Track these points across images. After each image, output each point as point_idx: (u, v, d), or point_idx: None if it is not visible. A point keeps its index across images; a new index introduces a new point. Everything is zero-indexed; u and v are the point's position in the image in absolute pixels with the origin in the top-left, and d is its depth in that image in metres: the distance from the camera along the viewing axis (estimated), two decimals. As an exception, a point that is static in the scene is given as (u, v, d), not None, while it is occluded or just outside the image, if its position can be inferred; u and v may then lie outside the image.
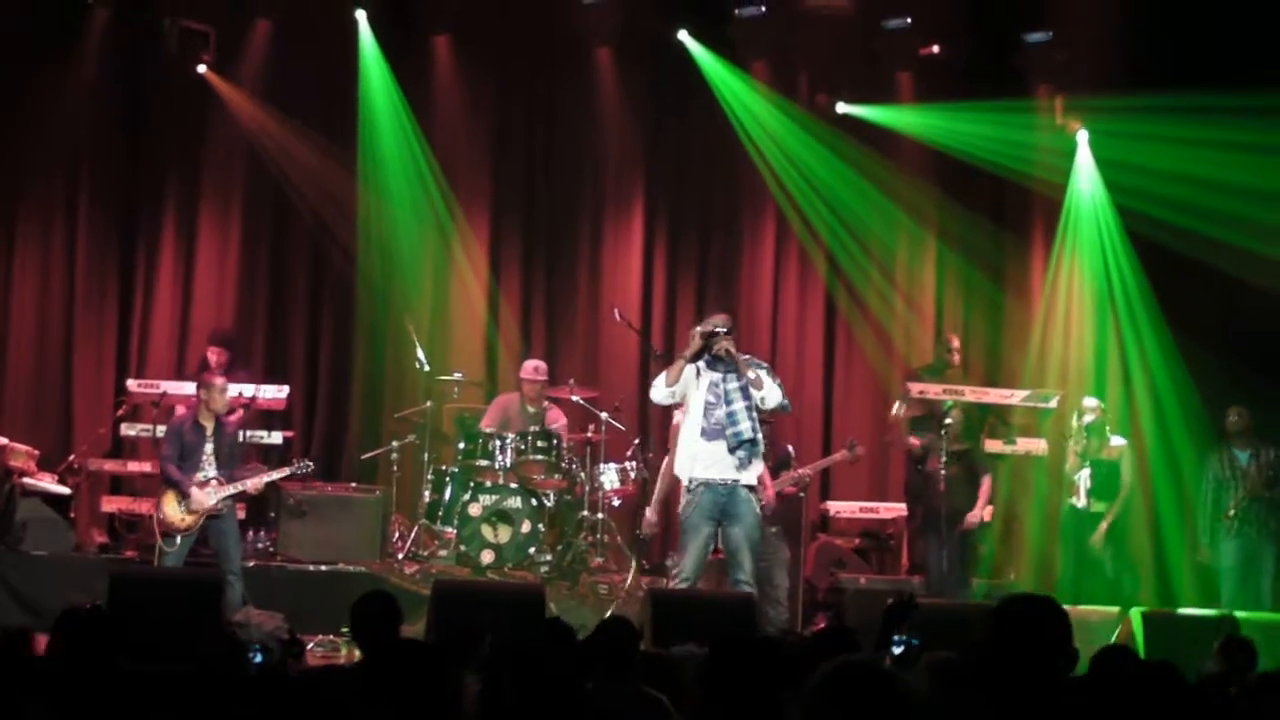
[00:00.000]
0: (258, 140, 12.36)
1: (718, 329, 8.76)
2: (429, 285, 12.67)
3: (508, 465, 10.76)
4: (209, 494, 9.54)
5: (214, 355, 11.35)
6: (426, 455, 11.14)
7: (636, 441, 11.35)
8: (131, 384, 11.25)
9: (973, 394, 11.37)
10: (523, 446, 10.79)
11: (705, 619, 7.72)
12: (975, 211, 12.97)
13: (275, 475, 10.01)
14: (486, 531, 10.63)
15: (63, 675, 4.64)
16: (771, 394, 8.76)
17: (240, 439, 10.78)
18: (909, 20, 12.87)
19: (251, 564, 10.30)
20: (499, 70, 12.95)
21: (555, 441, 10.89)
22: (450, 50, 12.77)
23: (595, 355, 12.90)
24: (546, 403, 11.33)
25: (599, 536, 10.97)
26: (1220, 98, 10.84)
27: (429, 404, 11.30)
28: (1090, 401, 11.19)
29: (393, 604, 5.85)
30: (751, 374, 8.72)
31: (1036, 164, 12.85)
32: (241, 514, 10.87)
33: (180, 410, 10.37)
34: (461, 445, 11.05)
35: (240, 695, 4.22)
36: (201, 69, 12.24)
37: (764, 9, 12.70)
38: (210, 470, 9.64)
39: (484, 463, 10.80)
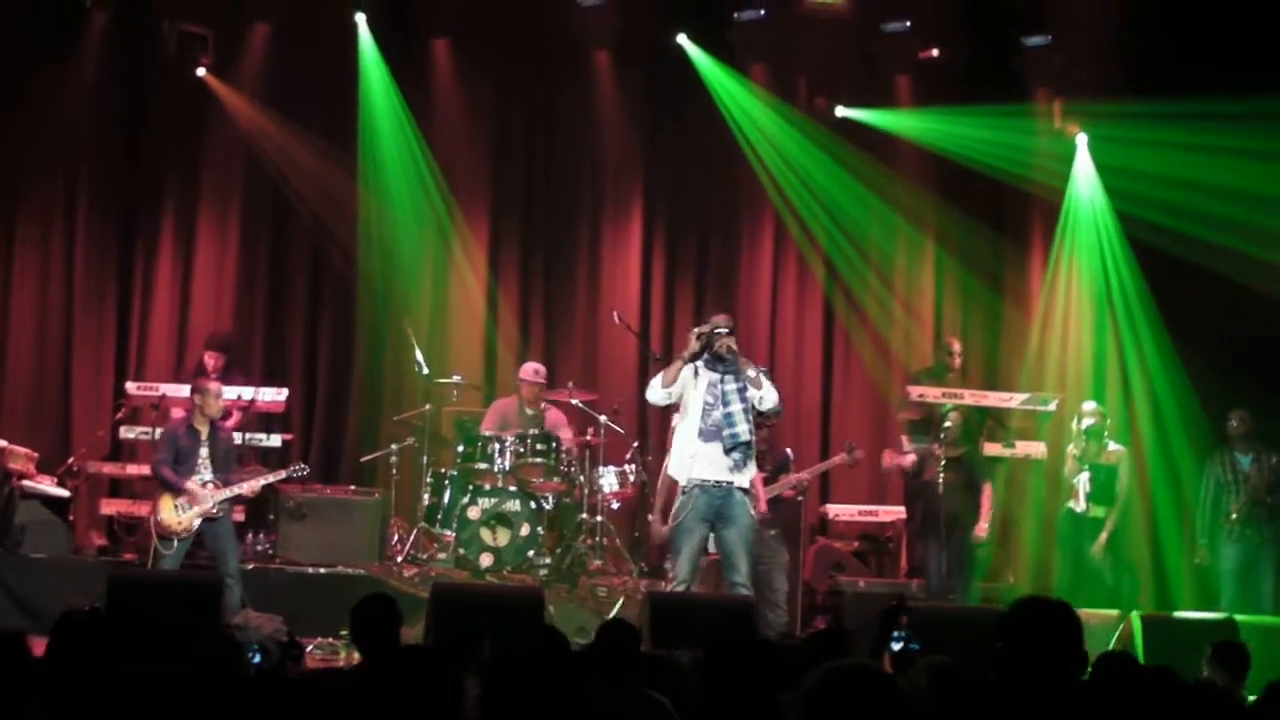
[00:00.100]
0: (256, 143, 12.36)
1: (719, 329, 8.77)
2: (428, 288, 12.67)
3: (507, 468, 10.76)
4: (205, 498, 9.55)
5: (210, 359, 11.34)
6: (425, 458, 11.14)
7: (635, 444, 11.36)
8: (130, 386, 11.25)
9: (972, 397, 11.37)
10: (522, 449, 10.78)
11: (704, 622, 7.71)
12: (974, 217, 12.97)
13: (271, 478, 10.03)
14: (485, 534, 10.62)
15: (61, 678, 4.64)
16: (769, 396, 8.77)
17: (237, 442, 10.81)
18: (908, 23, 12.86)
19: (250, 566, 10.30)
20: (498, 73, 12.95)
21: (554, 444, 10.89)
22: (449, 54, 12.77)
23: (594, 358, 12.90)
24: (544, 404, 11.33)
25: (598, 539, 10.97)
26: (1219, 104, 10.85)
27: (428, 407, 11.30)
28: (1089, 405, 11.19)
29: (392, 607, 5.85)
30: (751, 372, 8.73)
31: (1035, 168, 12.85)
32: (241, 516, 10.89)
33: (175, 414, 10.37)
34: (460, 448, 11.04)
35: (239, 697, 4.22)
36: (200, 72, 12.23)
37: (763, 12, 12.69)
38: (206, 474, 9.65)
39: (483, 466, 10.80)
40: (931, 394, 11.21)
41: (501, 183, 13.03)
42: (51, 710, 4.38)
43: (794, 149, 12.85)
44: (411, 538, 10.94)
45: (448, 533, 10.81)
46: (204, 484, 9.59)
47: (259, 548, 10.98)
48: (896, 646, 5.77)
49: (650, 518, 10.53)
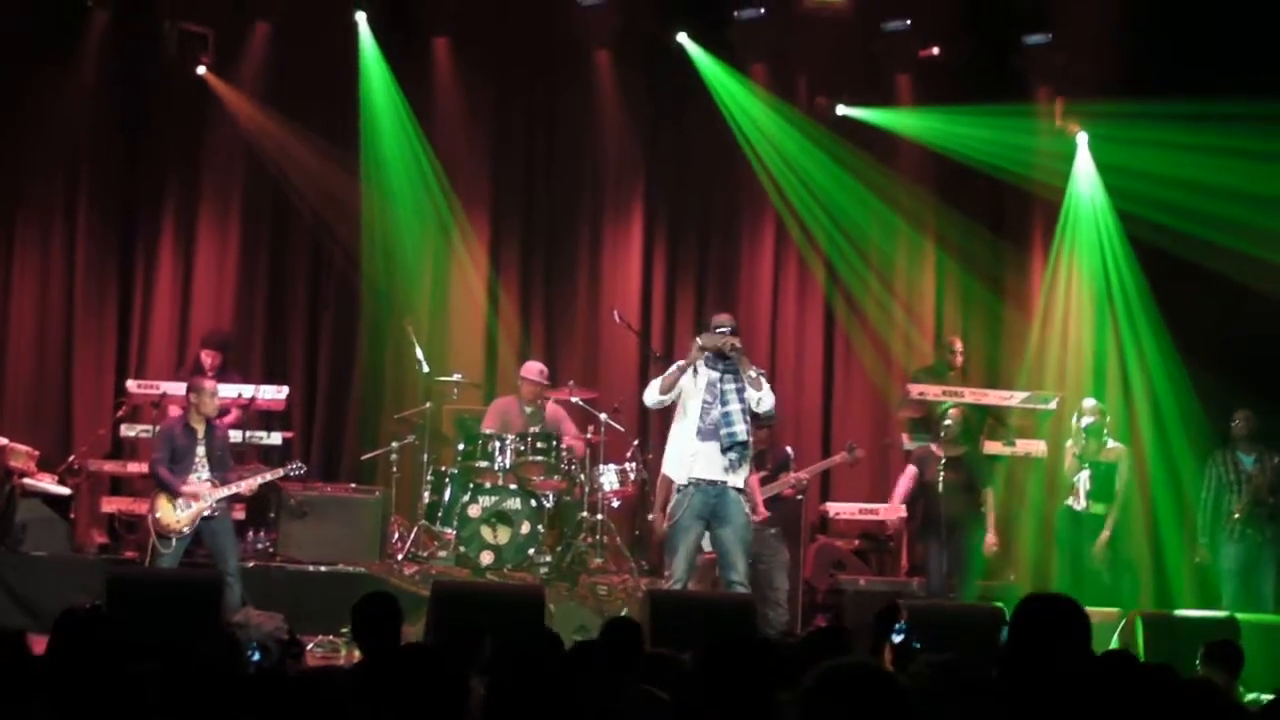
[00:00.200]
0: (257, 142, 12.36)
1: (720, 329, 8.77)
2: (429, 286, 12.67)
3: (507, 466, 10.77)
4: (202, 496, 9.54)
5: (207, 358, 11.34)
6: (426, 456, 11.14)
7: (636, 443, 11.37)
8: (131, 385, 11.24)
9: (972, 395, 11.37)
10: (522, 448, 10.80)
11: (704, 621, 7.73)
12: (974, 219, 12.97)
13: (269, 476, 10.03)
14: (486, 532, 10.63)
15: (61, 676, 4.64)
16: (766, 399, 8.79)
17: (238, 441, 10.83)
18: (908, 22, 12.86)
19: (251, 564, 10.31)
20: (498, 72, 12.95)
21: (555, 443, 10.90)
22: (449, 52, 12.77)
23: (594, 357, 12.90)
24: (542, 400, 11.34)
25: (598, 537, 10.97)
26: (1220, 104, 10.85)
27: (428, 405, 11.30)
28: (1089, 403, 11.18)
29: (394, 605, 5.86)
30: (752, 373, 8.73)
31: (1036, 167, 12.85)
32: (241, 514, 10.90)
33: (172, 413, 10.36)
34: (461, 446, 11.05)
35: (239, 696, 4.22)
36: (201, 71, 12.23)
37: (763, 10, 12.69)
38: (204, 473, 9.65)
39: (483, 464, 10.81)
40: (932, 392, 11.21)
41: (502, 180, 13.03)
42: (52, 709, 4.37)
43: (794, 149, 12.85)
44: (412, 536, 10.95)
45: (448, 531, 10.82)
46: (201, 482, 9.59)
47: (260, 546, 10.99)
48: (898, 639, 5.79)
49: (650, 516, 10.54)
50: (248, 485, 9.84)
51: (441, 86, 12.80)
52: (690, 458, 8.72)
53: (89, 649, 4.76)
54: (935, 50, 12.98)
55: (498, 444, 10.78)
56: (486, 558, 10.56)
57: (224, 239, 12.56)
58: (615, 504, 11.14)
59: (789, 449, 11.02)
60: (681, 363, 8.79)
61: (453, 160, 12.74)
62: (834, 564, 11.65)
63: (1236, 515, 10.85)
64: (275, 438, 11.27)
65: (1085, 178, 12.84)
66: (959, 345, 11.87)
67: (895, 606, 6.17)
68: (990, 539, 10.73)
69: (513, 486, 10.74)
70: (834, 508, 12.29)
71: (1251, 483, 10.89)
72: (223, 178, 12.56)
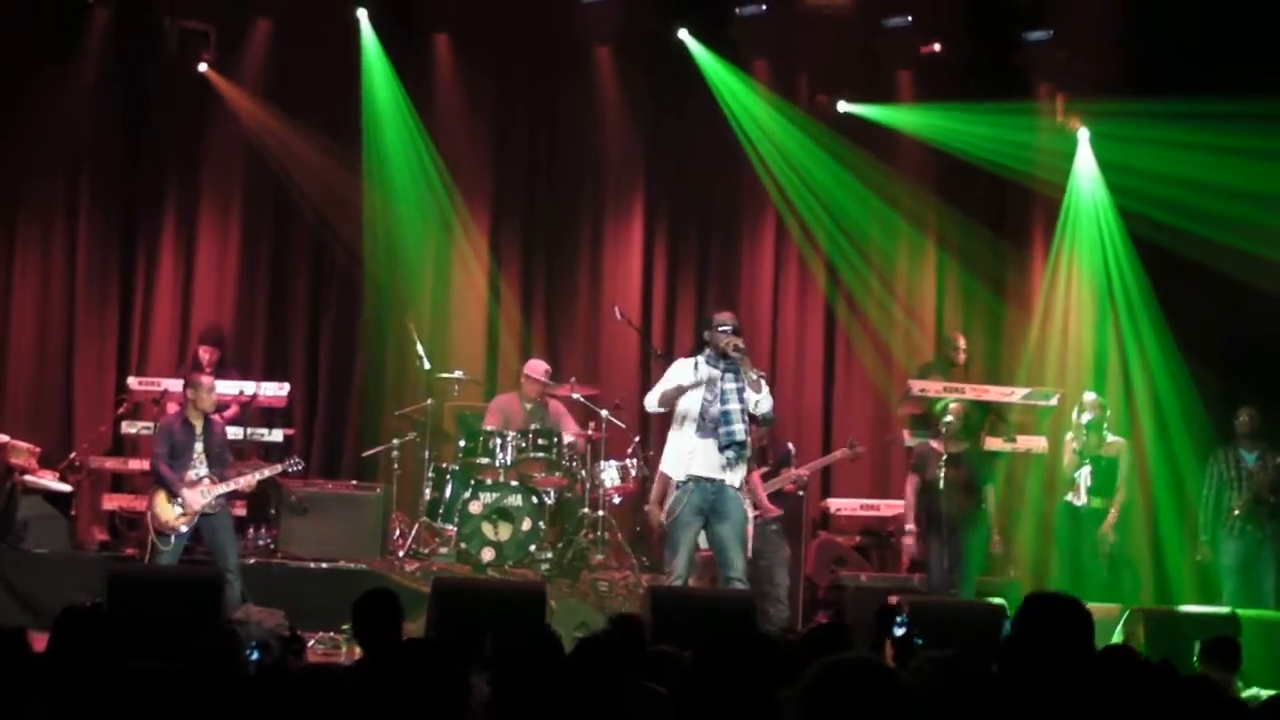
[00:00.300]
0: (258, 139, 12.35)
1: (723, 327, 8.76)
2: (430, 283, 12.67)
3: (508, 463, 10.77)
4: (201, 493, 9.55)
5: (205, 354, 11.34)
6: (427, 453, 11.15)
7: (637, 439, 11.37)
8: (132, 382, 11.25)
9: (972, 392, 11.35)
10: (523, 444, 10.81)
11: (704, 617, 7.72)
12: (974, 218, 12.96)
13: (266, 473, 10.02)
14: (487, 529, 10.63)
15: (62, 673, 4.64)
16: (765, 402, 8.79)
17: (240, 437, 10.83)
18: (909, 19, 12.86)
19: (252, 561, 10.32)
20: (499, 69, 12.94)
21: (556, 440, 10.91)
22: (450, 49, 12.77)
23: (595, 354, 12.90)
24: (544, 398, 11.35)
25: (600, 534, 10.97)
26: (1220, 103, 10.85)
27: (430, 402, 11.30)
28: (1089, 397, 11.16)
29: (395, 601, 5.86)
30: (753, 375, 8.72)
31: (1037, 164, 12.84)
32: (242, 511, 10.92)
33: (170, 409, 10.36)
34: (462, 443, 11.06)
35: (239, 693, 4.22)
36: (202, 68, 12.22)
37: (764, 7, 12.68)
38: (202, 469, 9.65)
39: (484, 460, 10.81)
40: (933, 388, 11.20)
41: (503, 177, 13.02)
42: (53, 706, 4.38)
43: (795, 147, 12.84)
44: (413, 532, 10.95)
45: (449, 527, 10.82)
46: (200, 479, 9.60)
47: (261, 542, 11.00)
48: (899, 633, 5.80)
49: (646, 507, 10.54)
50: (246, 481, 9.83)
51: (442, 83, 12.79)
52: (688, 455, 8.72)
53: (90, 646, 4.76)
54: (936, 47, 12.97)
55: (499, 441, 10.79)
56: (487, 554, 10.57)
57: (225, 236, 12.55)
58: (616, 500, 11.14)
59: (790, 445, 11.02)
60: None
61: (453, 157, 12.73)
62: (835, 560, 11.65)
63: (1236, 512, 10.85)
64: (276, 435, 11.28)
65: (1086, 175, 12.83)
66: (962, 342, 11.85)
67: (891, 606, 6.17)
68: (996, 540, 10.73)
69: (514, 483, 10.74)
70: (835, 504, 12.30)
71: (1252, 480, 10.89)
72: (224, 175, 12.56)
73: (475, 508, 10.64)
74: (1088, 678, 3.90)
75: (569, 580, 10.58)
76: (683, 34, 12.75)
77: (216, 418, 10.08)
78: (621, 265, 13.04)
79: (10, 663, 4.51)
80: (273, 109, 12.31)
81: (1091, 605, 9.70)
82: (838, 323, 13.21)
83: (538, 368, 11.37)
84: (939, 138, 12.73)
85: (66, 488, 10.97)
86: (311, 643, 8.59)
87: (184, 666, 4.56)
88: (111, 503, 11.44)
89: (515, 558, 10.57)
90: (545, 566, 10.63)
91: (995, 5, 12.86)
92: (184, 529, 9.53)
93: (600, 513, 10.96)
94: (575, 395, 11.47)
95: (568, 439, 11.09)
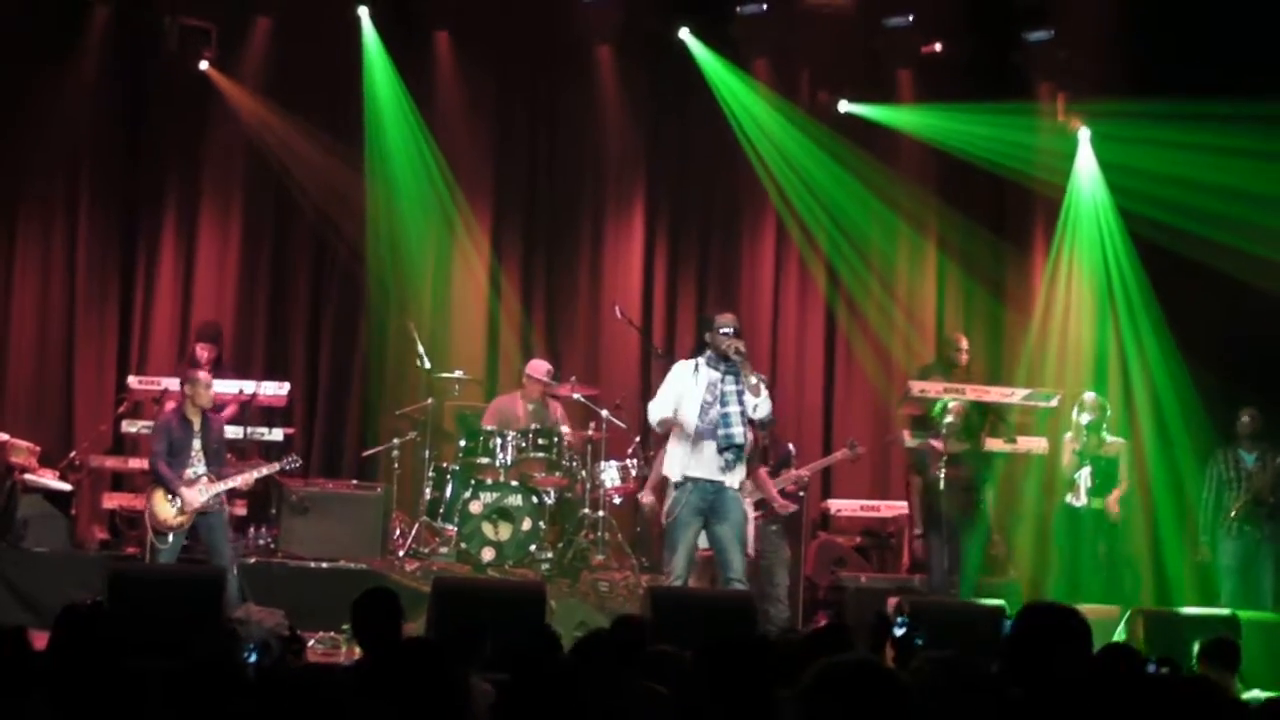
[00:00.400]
0: (259, 137, 12.35)
1: (724, 329, 8.76)
2: (431, 281, 12.67)
3: (508, 463, 10.78)
4: (199, 491, 9.54)
5: (203, 351, 11.31)
6: (427, 452, 11.15)
7: (637, 439, 11.36)
8: (133, 380, 11.24)
9: (973, 392, 11.34)
10: (523, 444, 10.81)
11: (704, 617, 7.73)
12: (975, 219, 12.97)
13: (264, 471, 10.03)
14: (487, 529, 10.64)
15: (62, 672, 4.65)
16: (764, 406, 8.79)
17: (240, 436, 10.82)
18: (910, 18, 12.86)
19: (252, 560, 10.32)
20: (500, 68, 12.94)
21: (556, 439, 10.91)
22: (451, 47, 12.77)
23: (596, 353, 12.90)
24: (545, 398, 11.35)
25: (600, 534, 10.97)
26: (1220, 104, 10.85)
27: (430, 401, 11.31)
28: (1089, 397, 11.15)
29: (394, 601, 5.85)
30: (753, 380, 8.72)
31: (1037, 164, 12.84)
32: (243, 510, 10.92)
33: (168, 406, 10.36)
34: (462, 443, 11.07)
35: (238, 692, 4.22)
36: (203, 66, 12.22)
37: (765, 6, 12.68)
38: (200, 466, 9.64)
39: (485, 460, 10.82)
40: (933, 389, 11.19)
41: (504, 176, 13.02)
42: (53, 705, 4.38)
43: (795, 147, 12.84)
44: (413, 532, 10.95)
45: (449, 527, 10.83)
46: (198, 477, 9.59)
47: (261, 542, 10.99)
48: (900, 632, 5.81)
49: (640, 495, 10.55)
50: (244, 479, 9.83)
51: (443, 81, 12.79)
52: (687, 456, 8.72)
53: (90, 645, 4.76)
54: (937, 46, 12.98)
55: (499, 440, 10.79)
56: (488, 554, 10.57)
57: (226, 235, 12.55)
58: (617, 500, 11.15)
59: (790, 445, 11.02)
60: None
61: (454, 155, 12.73)
62: (835, 561, 11.66)
63: (1234, 512, 10.85)
64: (277, 434, 11.27)
65: (1086, 174, 12.83)
66: (964, 343, 11.80)
67: (887, 611, 6.19)
68: (995, 537, 10.73)
69: (514, 483, 10.74)
70: (835, 504, 12.31)
71: (1252, 481, 10.89)
72: (224, 173, 12.56)
73: (475, 507, 10.64)
74: (1087, 681, 3.91)
75: (569, 580, 10.58)
76: (683, 33, 12.75)
77: (214, 415, 10.08)
78: (622, 264, 13.04)
79: (11, 661, 4.51)
80: (273, 107, 12.31)
81: (1091, 606, 9.73)
82: (838, 323, 13.21)
83: (540, 368, 11.38)
84: (939, 138, 12.73)
85: (66, 486, 10.97)
86: (311, 642, 8.58)
87: (184, 665, 4.56)
88: (111, 501, 11.44)
89: (515, 558, 10.57)
90: (545, 566, 10.63)
91: (996, 5, 12.86)
92: (182, 527, 9.52)
93: (600, 513, 10.96)
94: (576, 395, 11.47)
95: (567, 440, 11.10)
